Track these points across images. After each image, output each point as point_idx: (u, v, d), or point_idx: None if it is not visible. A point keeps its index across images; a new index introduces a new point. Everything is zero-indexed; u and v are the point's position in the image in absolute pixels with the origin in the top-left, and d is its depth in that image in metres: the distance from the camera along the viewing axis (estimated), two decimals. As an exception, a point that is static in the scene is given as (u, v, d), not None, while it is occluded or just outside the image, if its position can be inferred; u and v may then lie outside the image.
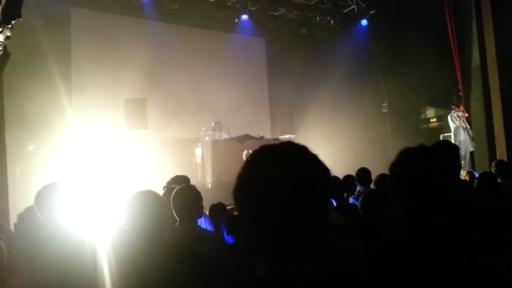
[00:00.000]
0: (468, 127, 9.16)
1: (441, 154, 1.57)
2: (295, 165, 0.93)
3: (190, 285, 1.97)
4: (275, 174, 0.91)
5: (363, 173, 4.45)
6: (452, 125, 9.20)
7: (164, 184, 3.57)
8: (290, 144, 0.99)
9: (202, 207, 2.85)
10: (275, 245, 0.92)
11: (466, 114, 9.13)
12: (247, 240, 2.79)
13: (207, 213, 3.40)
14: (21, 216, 2.95)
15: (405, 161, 1.54)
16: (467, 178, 5.27)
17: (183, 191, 2.73)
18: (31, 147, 8.51)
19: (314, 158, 0.97)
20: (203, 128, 9.46)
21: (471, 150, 9.16)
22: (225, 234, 3.48)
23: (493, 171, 4.98)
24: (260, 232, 0.93)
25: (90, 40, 9.78)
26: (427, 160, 1.52)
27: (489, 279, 1.37)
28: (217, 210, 3.36)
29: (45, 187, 2.40)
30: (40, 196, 2.37)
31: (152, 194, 2.17)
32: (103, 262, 2.21)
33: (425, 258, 1.37)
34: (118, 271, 2.02)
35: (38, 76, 8.53)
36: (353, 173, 4.64)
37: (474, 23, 9.15)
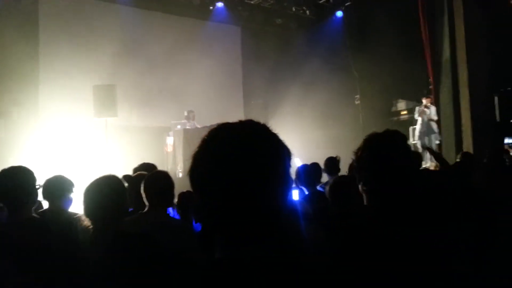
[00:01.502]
0: (427, 120, 9.13)
1: (401, 140, 1.57)
2: (253, 143, 0.89)
3: (141, 274, 1.92)
4: (232, 152, 0.87)
5: (331, 162, 4.49)
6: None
7: (131, 172, 3.49)
8: (249, 122, 0.95)
9: (173, 195, 2.79)
10: (231, 227, 0.88)
11: (422, 108, 9.15)
12: (202, 221, 2.76)
13: (175, 201, 3.35)
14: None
15: (369, 145, 1.54)
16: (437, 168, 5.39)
17: (156, 177, 2.66)
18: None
19: (274, 137, 0.93)
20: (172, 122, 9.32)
21: (437, 142, 9.27)
22: (194, 222, 3.44)
23: (458, 160, 5.09)
24: (215, 213, 0.89)
25: (59, 23, 9.43)
26: (391, 144, 1.53)
27: (450, 264, 1.39)
28: (186, 198, 3.30)
29: (3, 171, 2.28)
30: None
31: (106, 180, 2.09)
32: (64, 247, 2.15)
33: (387, 241, 1.37)
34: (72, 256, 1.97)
35: (3, 60, 8.22)
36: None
37: (445, 17, 9.34)
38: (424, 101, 9.26)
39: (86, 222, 2.04)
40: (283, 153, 0.92)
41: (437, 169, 5.42)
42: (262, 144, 0.89)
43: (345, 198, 2.88)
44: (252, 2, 11.66)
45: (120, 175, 3.01)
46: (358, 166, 1.55)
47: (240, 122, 0.94)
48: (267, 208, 0.88)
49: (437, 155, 4.50)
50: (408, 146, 1.62)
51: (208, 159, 0.89)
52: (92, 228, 2.02)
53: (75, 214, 2.81)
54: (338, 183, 2.98)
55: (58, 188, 2.98)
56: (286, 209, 0.94)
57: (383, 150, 1.50)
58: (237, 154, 0.86)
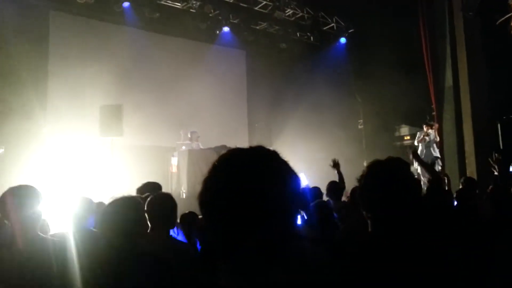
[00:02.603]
0: (425, 147, 9.11)
1: (405, 167, 1.61)
2: (263, 170, 0.90)
3: None
4: (242, 178, 0.88)
5: (333, 186, 4.49)
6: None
7: (135, 190, 3.52)
8: (259, 149, 0.96)
9: (176, 217, 2.81)
10: (238, 253, 0.89)
11: (422, 136, 9.09)
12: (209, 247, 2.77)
13: (179, 221, 3.37)
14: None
15: (372, 173, 1.58)
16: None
17: (160, 198, 2.69)
18: (1, 151, 8.26)
19: (284, 164, 0.95)
20: (181, 133, 9.34)
21: (439, 168, 9.25)
22: (198, 244, 3.44)
23: (461, 186, 5.10)
24: (223, 238, 0.90)
25: (68, 45, 9.63)
26: (394, 172, 1.56)
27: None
28: (188, 219, 3.32)
29: (11, 189, 2.31)
30: (4, 198, 2.26)
31: (124, 201, 2.12)
32: (69, 265, 2.17)
33: (389, 268, 1.39)
34: (86, 274, 1.98)
35: (12, 78, 8.36)
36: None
37: (448, 46, 9.50)
38: (425, 128, 9.27)
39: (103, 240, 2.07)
40: (293, 180, 0.93)
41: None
42: (272, 171, 0.91)
43: (322, 220, 2.94)
44: (257, 27, 11.88)
45: (124, 194, 3.04)
46: (361, 194, 1.58)
47: (251, 148, 0.96)
48: (275, 234, 0.88)
49: (424, 163, 4.50)
50: (410, 174, 1.65)
51: (218, 184, 0.90)
52: (107, 246, 2.04)
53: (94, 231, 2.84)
54: (315, 207, 3.06)
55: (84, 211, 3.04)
56: (293, 235, 0.94)
57: (385, 178, 1.53)
58: (247, 180, 0.88)
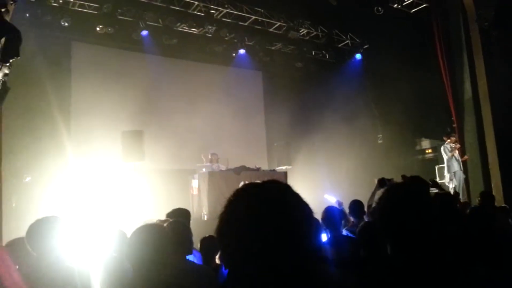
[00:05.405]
0: (459, 158, 9.15)
1: (423, 190, 1.61)
2: (276, 205, 0.93)
3: None
4: (256, 214, 0.92)
5: (356, 205, 4.46)
6: (444, 157, 9.23)
7: (164, 216, 3.60)
8: (272, 184, 1.00)
9: (191, 243, 2.85)
10: (254, 285, 0.91)
11: (458, 145, 9.15)
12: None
13: (199, 245, 3.39)
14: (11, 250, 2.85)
15: (391, 197, 1.58)
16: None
17: (173, 226, 2.74)
18: (28, 179, 8.51)
19: (296, 197, 0.98)
20: (203, 157, 9.45)
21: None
22: (223, 268, 3.46)
23: (477, 202, 5.00)
24: (240, 272, 0.93)
25: (89, 73, 9.96)
26: (412, 196, 1.57)
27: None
28: (207, 243, 3.34)
29: (37, 221, 2.38)
30: (32, 230, 2.33)
31: (150, 229, 2.16)
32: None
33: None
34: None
35: (37, 108, 8.65)
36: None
37: (465, 57, 9.39)
38: (450, 140, 9.20)
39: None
40: (305, 213, 0.96)
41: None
42: (284, 206, 0.94)
43: (373, 242, 2.86)
44: (272, 48, 12.04)
45: (147, 217, 3.11)
46: (381, 219, 1.59)
47: (264, 183, 1.00)
48: (291, 266, 0.91)
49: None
50: (427, 196, 1.65)
51: (232, 220, 0.95)
52: (134, 274, 2.07)
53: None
54: (366, 227, 2.98)
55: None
56: (316, 260, 0.97)
57: (402, 203, 1.54)
58: (261, 216, 0.91)
